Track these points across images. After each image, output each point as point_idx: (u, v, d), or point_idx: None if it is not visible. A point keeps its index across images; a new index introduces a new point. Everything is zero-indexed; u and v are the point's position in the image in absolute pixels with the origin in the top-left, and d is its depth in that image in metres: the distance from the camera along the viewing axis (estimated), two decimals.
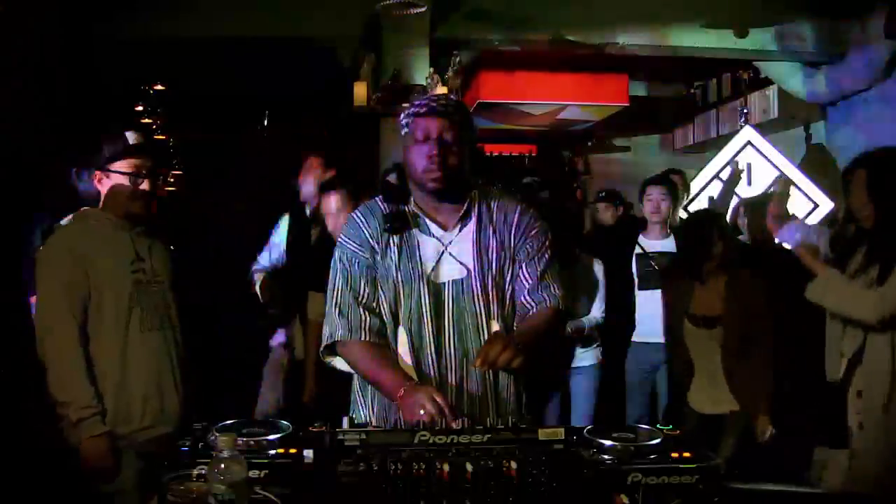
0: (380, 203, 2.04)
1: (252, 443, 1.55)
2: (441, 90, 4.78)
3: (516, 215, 2.02)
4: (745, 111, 6.01)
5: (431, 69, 4.85)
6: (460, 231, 1.98)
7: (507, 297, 1.99)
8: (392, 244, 1.97)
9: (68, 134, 3.79)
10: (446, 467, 1.44)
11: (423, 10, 4.28)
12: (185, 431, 1.65)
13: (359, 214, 2.04)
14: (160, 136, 7.07)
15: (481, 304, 1.95)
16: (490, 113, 6.54)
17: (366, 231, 1.99)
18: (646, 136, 8.10)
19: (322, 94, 5.62)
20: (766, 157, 4.93)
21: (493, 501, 1.43)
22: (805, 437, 2.82)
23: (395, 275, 1.95)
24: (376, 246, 1.98)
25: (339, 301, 1.98)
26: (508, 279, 1.99)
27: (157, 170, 2.47)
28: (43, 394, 2.50)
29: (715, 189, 4.98)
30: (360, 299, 1.97)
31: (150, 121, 7.00)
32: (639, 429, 1.63)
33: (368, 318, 1.96)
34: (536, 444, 1.52)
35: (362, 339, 1.95)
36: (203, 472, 1.40)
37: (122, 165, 2.38)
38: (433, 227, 1.98)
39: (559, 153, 7.88)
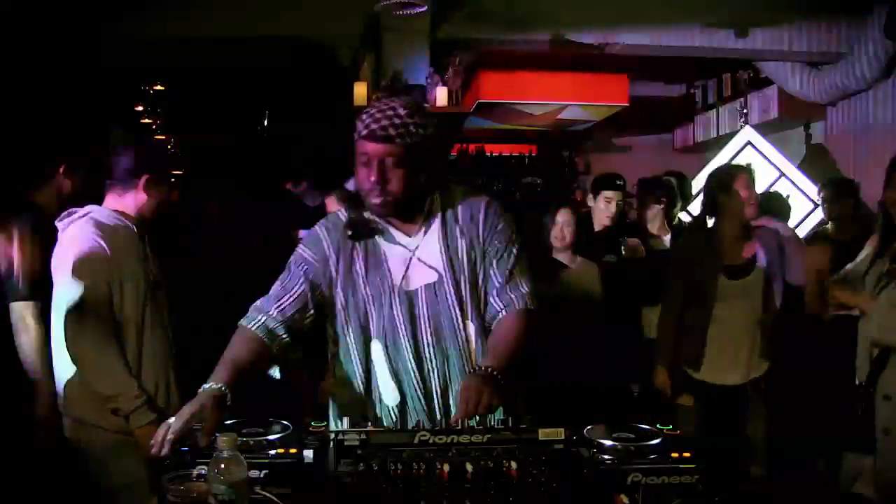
0: (341, 214, 1.98)
1: (252, 443, 1.55)
2: (441, 91, 4.79)
3: (482, 212, 1.96)
4: (745, 111, 6.01)
5: (432, 69, 4.86)
6: (425, 234, 1.93)
7: (482, 294, 1.95)
8: (357, 257, 1.92)
9: (68, 132, 3.79)
10: (446, 467, 1.45)
11: (423, 10, 4.28)
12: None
13: (321, 226, 1.99)
14: (160, 137, 7.09)
15: (456, 305, 1.91)
16: (490, 113, 6.54)
17: (325, 243, 1.95)
18: (646, 136, 8.10)
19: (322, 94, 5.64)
20: (766, 157, 4.95)
21: (493, 501, 1.43)
22: (833, 440, 2.75)
23: (363, 289, 1.91)
24: (339, 260, 1.92)
25: (268, 295, 1.92)
26: (482, 277, 1.95)
27: (172, 177, 2.51)
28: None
29: None
30: (281, 300, 1.90)
31: (150, 121, 7.02)
32: (639, 429, 1.63)
33: (271, 319, 1.87)
34: (536, 444, 1.52)
35: (251, 328, 1.86)
36: (203, 472, 1.40)
37: (153, 176, 2.43)
38: (397, 235, 1.93)
39: (559, 153, 7.89)
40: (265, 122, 7.40)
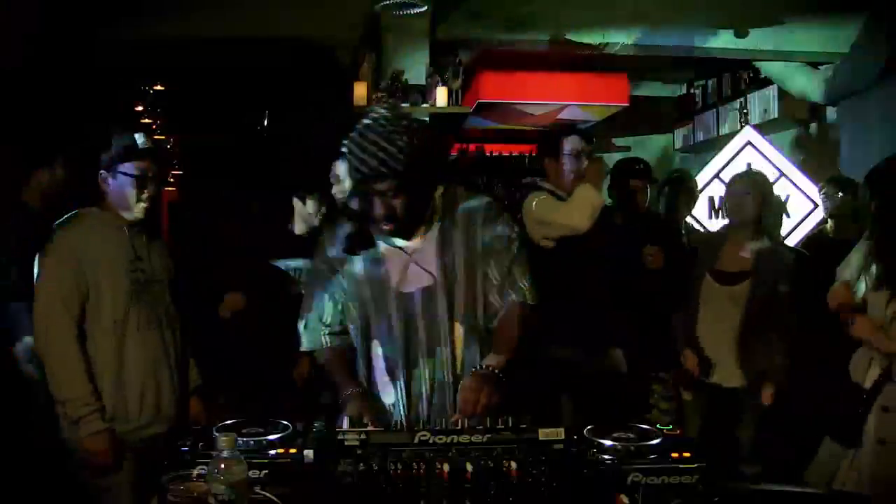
0: (346, 223, 2.03)
1: (252, 443, 1.55)
2: (441, 91, 4.79)
3: (481, 214, 1.99)
4: (745, 111, 6.00)
5: (431, 69, 4.85)
6: (424, 237, 1.96)
7: (478, 296, 1.98)
8: (358, 260, 1.98)
9: (70, 133, 3.80)
10: (446, 467, 1.45)
11: (423, 10, 4.28)
12: (182, 430, 1.65)
13: (326, 235, 2.08)
14: (160, 137, 7.08)
15: (446, 308, 1.94)
16: (490, 113, 6.53)
17: (330, 251, 2.03)
18: (646, 136, 8.09)
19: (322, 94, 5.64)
20: (766, 157, 4.94)
21: (493, 501, 1.43)
22: (816, 428, 2.72)
23: (363, 290, 1.97)
24: (342, 265, 2.00)
25: (303, 315, 2.07)
26: (480, 279, 1.97)
27: (161, 173, 2.50)
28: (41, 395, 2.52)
29: (715, 190, 5.00)
30: (322, 315, 2.04)
31: (150, 121, 7.01)
32: (639, 429, 1.63)
33: (327, 330, 2.05)
34: (536, 444, 1.52)
35: (326, 345, 2.05)
36: (203, 472, 1.40)
37: (128, 167, 2.40)
38: (397, 239, 1.97)
39: None
40: (265, 122, 7.39)
